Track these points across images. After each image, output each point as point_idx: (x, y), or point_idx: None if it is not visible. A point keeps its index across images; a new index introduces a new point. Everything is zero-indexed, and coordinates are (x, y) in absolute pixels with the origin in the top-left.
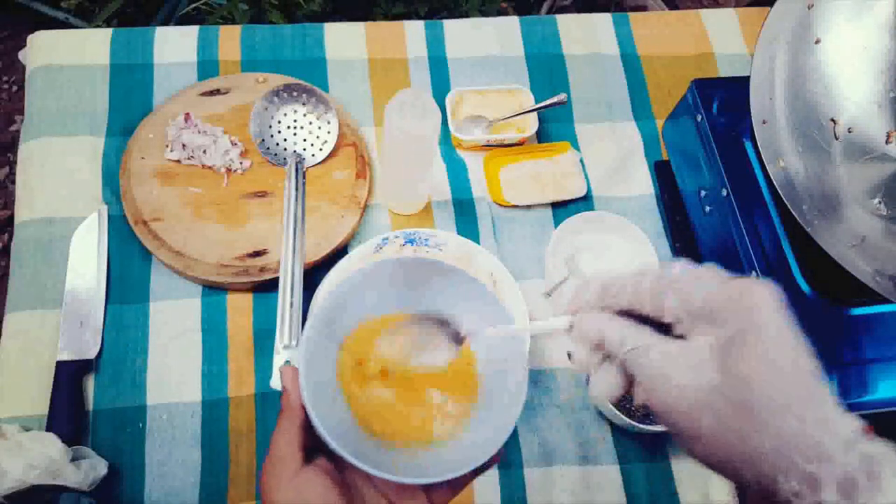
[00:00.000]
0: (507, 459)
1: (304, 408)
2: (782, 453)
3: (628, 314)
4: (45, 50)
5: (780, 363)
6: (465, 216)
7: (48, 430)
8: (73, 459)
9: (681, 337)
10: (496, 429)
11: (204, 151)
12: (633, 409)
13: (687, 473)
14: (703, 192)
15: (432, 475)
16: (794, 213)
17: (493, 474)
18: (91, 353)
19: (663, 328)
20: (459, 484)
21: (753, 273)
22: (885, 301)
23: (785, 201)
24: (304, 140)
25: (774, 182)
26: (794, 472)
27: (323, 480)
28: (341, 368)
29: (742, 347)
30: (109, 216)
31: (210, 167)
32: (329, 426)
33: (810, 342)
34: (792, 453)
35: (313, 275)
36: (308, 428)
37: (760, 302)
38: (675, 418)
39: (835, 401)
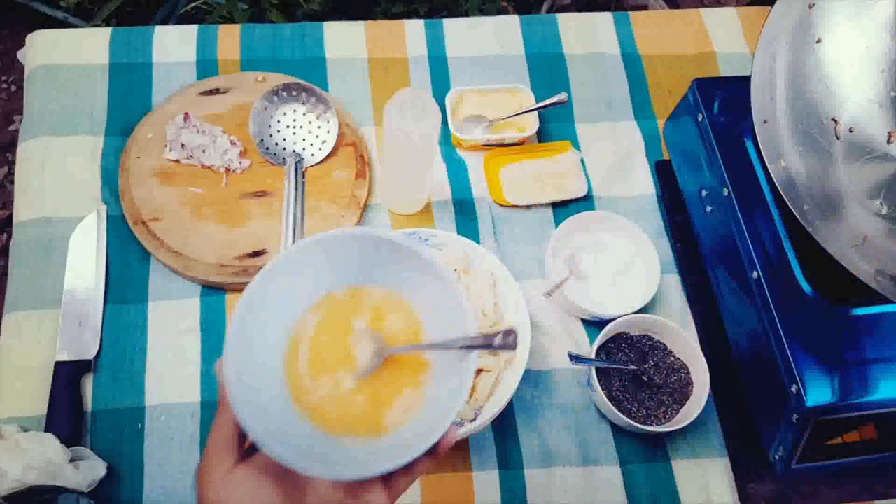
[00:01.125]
0: (508, 460)
1: None
2: None
3: None
4: (44, 49)
5: None
6: (466, 216)
7: (47, 430)
8: (72, 460)
9: None
10: (446, 408)
11: (203, 151)
12: (633, 409)
13: (687, 474)
14: (704, 192)
15: (383, 464)
16: (795, 213)
17: (493, 474)
18: (90, 354)
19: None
20: (416, 470)
21: (755, 273)
22: (887, 301)
23: (786, 201)
24: (304, 139)
25: (776, 182)
26: None
27: (256, 479)
28: (289, 356)
29: None
30: (108, 216)
31: (209, 167)
32: (265, 423)
33: (812, 342)
34: None
35: None
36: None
37: None
38: None
39: None
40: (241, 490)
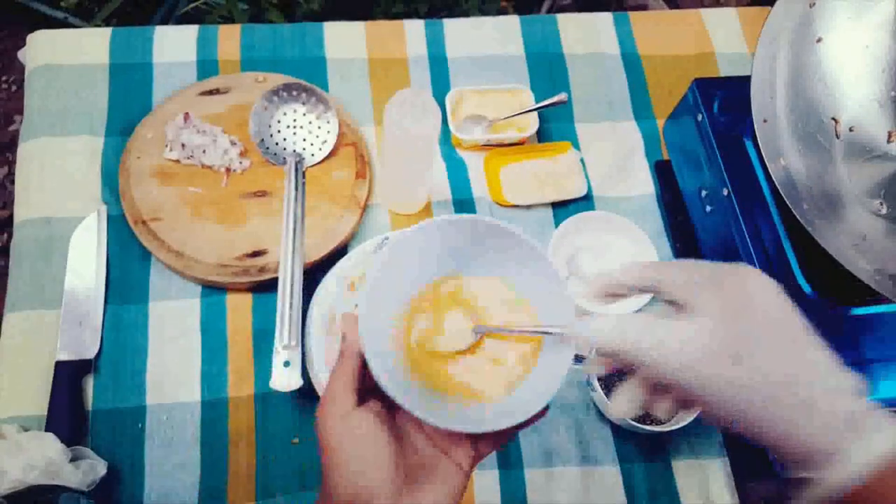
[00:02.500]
0: (508, 459)
1: (359, 354)
2: (788, 428)
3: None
4: (44, 49)
5: (777, 341)
6: None
7: (47, 430)
8: (73, 460)
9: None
10: (544, 387)
11: (203, 151)
12: None
13: (687, 474)
14: (703, 192)
15: (481, 426)
16: (794, 212)
17: (493, 474)
18: (90, 354)
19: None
20: (504, 436)
21: None
22: (886, 301)
23: (786, 200)
24: (304, 139)
25: (775, 181)
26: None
27: (373, 421)
28: (405, 323)
29: (741, 327)
30: (109, 216)
31: (209, 167)
32: (384, 371)
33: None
34: (797, 428)
35: (313, 275)
36: (362, 374)
37: (754, 283)
38: (696, 396)
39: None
40: (360, 427)
